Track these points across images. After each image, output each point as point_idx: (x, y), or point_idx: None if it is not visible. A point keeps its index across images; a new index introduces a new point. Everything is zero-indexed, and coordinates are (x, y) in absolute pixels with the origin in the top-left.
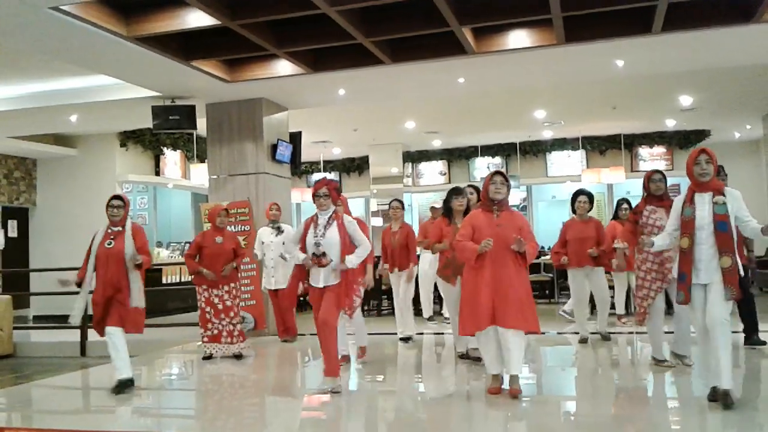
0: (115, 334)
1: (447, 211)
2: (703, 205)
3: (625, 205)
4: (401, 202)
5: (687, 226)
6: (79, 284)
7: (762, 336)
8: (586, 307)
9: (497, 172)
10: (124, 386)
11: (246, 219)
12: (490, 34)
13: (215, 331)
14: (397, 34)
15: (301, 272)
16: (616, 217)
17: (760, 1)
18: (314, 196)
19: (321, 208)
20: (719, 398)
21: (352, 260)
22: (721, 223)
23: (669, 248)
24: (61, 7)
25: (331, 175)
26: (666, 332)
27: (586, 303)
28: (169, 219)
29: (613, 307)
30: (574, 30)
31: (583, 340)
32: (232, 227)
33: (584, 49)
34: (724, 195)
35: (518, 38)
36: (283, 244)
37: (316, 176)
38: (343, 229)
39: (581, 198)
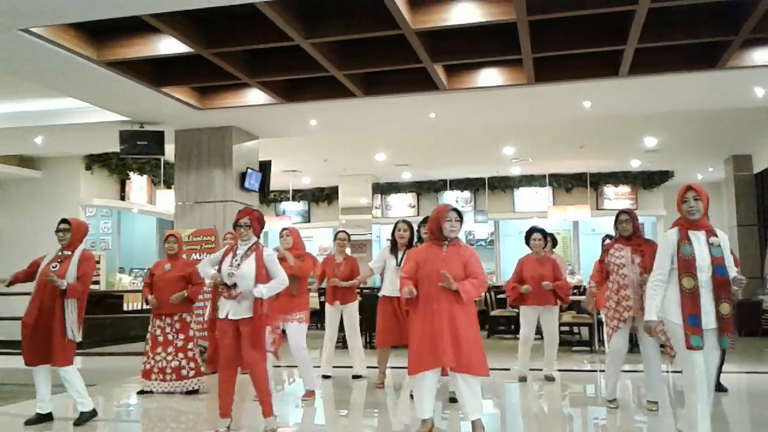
0: (68, 371)
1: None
2: (700, 246)
3: (608, 241)
4: (348, 234)
5: (689, 266)
6: (10, 284)
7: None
8: (530, 345)
9: (453, 209)
10: (87, 418)
11: (212, 247)
12: (461, 71)
13: (147, 366)
14: (370, 68)
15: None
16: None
17: (724, 49)
18: (235, 225)
19: (242, 238)
20: None
21: (261, 290)
22: (719, 267)
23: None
24: (32, 30)
25: (300, 204)
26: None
27: (532, 342)
28: (133, 245)
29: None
30: (544, 71)
31: (522, 379)
32: (197, 255)
33: (553, 89)
34: (716, 236)
35: (489, 76)
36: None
37: (285, 205)
38: (261, 261)
39: (535, 235)
